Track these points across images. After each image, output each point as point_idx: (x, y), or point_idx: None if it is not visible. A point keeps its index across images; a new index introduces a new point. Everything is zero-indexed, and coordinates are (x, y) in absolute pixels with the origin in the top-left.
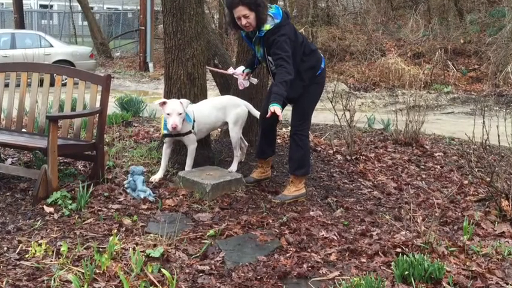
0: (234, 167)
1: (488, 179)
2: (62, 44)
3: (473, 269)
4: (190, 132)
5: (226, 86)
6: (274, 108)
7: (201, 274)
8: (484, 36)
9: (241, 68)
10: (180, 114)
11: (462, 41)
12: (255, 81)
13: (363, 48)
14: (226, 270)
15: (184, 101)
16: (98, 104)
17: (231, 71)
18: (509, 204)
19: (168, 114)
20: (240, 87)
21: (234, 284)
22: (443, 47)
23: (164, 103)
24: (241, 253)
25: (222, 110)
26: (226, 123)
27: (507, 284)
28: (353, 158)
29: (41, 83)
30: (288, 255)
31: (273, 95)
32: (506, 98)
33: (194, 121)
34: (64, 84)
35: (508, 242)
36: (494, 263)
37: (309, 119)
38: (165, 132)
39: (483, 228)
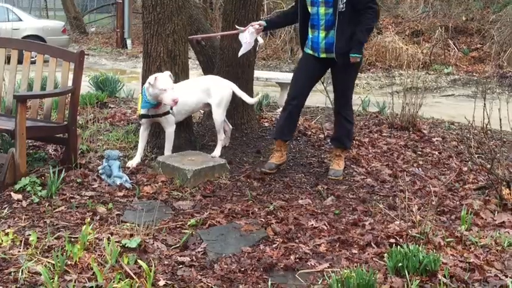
0: (217, 152)
1: (488, 166)
2: (31, 18)
3: (471, 260)
4: (168, 112)
5: (210, 64)
6: (356, 58)
7: (180, 266)
8: (487, 13)
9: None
10: (173, 88)
11: (464, 19)
12: (261, 41)
13: None
14: (208, 262)
15: (169, 73)
16: (70, 83)
17: (241, 28)
18: (510, 193)
19: (164, 89)
20: (242, 50)
21: (217, 276)
22: (444, 25)
23: (156, 78)
24: (225, 244)
25: (205, 91)
26: (207, 105)
27: (506, 276)
28: None
29: (7, 60)
30: (274, 246)
31: (357, 44)
32: (509, 79)
33: None
34: (33, 62)
35: (508, 232)
36: (493, 255)
37: (352, 92)
38: (142, 112)
39: (482, 218)
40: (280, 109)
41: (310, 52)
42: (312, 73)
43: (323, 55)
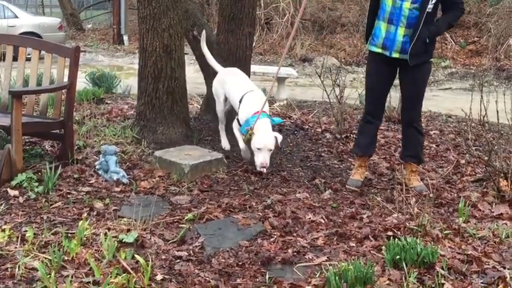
0: None
1: (486, 158)
2: (28, 15)
3: (469, 252)
4: None
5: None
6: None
7: (178, 260)
8: (484, 6)
9: None
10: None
11: None
12: None
13: (355, 20)
14: (206, 256)
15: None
16: (65, 79)
17: None
18: (507, 185)
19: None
20: None
21: (214, 270)
22: None
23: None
24: (222, 238)
25: None
26: None
27: (504, 268)
28: (343, 136)
29: (3, 56)
30: (272, 239)
31: (433, 32)
32: (507, 72)
33: None
34: (29, 59)
35: (505, 224)
36: (491, 246)
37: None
38: None
39: (480, 210)
40: (277, 103)
41: (379, 51)
42: (385, 79)
43: (395, 55)
